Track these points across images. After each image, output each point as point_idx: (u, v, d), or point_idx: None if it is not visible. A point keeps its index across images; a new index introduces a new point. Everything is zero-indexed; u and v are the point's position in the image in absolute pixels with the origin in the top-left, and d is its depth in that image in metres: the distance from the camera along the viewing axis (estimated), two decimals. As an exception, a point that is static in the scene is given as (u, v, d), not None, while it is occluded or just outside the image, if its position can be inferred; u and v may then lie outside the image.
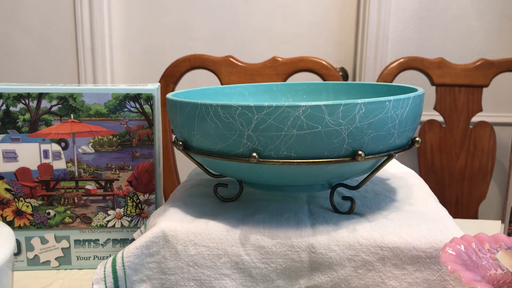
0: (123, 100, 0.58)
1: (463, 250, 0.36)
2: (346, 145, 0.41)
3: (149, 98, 0.58)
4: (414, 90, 0.51)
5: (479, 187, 1.18)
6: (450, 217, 0.47)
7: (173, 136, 1.03)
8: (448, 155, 1.19)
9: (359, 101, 0.40)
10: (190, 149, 0.46)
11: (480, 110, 1.18)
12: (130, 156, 0.59)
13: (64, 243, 0.60)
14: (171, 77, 1.06)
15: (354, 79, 1.50)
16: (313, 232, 0.43)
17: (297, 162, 0.41)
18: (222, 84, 1.07)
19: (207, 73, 1.38)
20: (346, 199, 0.48)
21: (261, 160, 0.41)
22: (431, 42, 1.47)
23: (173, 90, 1.07)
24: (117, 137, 0.58)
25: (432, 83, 1.18)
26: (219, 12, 1.48)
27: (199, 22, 1.49)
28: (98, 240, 0.60)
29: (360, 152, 0.41)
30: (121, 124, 0.58)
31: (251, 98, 0.63)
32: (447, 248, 0.36)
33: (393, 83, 0.56)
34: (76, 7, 1.46)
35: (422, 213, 0.47)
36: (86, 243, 0.60)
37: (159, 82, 1.07)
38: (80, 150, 0.58)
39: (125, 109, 0.58)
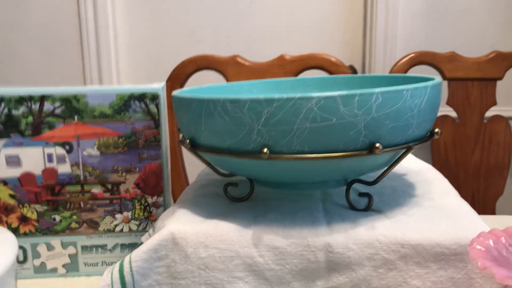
0: (128, 100, 0.56)
1: (492, 245, 0.34)
2: (362, 137, 0.38)
3: (154, 98, 0.56)
4: (431, 79, 0.49)
5: (495, 183, 1.15)
6: (474, 211, 0.44)
7: (180, 136, 1.02)
8: (462, 151, 1.16)
9: (376, 90, 0.38)
10: (198, 148, 0.44)
11: (494, 104, 1.15)
12: (137, 157, 0.57)
13: (71, 249, 0.58)
14: (177, 79, 1.04)
15: (363, 77, 1.48)
16: (330, 231, 0.41)
17: (310, 157, 0.39)
18: (229, 84, 1.05)
19: (214, 74, 1.36)
20: (363, 195, 0.45)
21: (272, 156, 0.39)
22: (440, 37, 1.44)
23: (179, 92, 1.06)
24: (123, 138, 0.56)
25: (444, 78, 1.15)
26: (224, 13, 1.46)
27: (204, 24, 1.47)
28: (106, 245, 0.58)
29: (377, 145, 0.39)
30: (126, 125, 0.56)
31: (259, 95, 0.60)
32: (475, 243, 0.33)
33: (408, 74, 0.54)
34: (80, 13, 1.45)
35: (443, 208, 0.44)
36: (94, 248, 0.58)
37: (165, 84, 1.05)
38: (85, 153, 0.56)
39: (130, 110, 0.56)
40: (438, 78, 0.45)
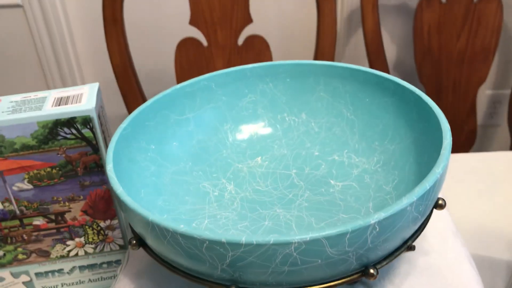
0: (53, 128, 0.44)
1: None
2: (354, 266, 0.31)
3: (86, 121, 0.44)
4: (424, 103, 0.39)
5: (479, 69, 1.07)
6: (476, 277, 0.39)
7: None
8: (447, 36, 1.05)
9: (372, 221, 0.29)
10: (150, 249, 0.36)
11: (488, -21, 1.01)
12: (78, 186, 0.48)
13: (24, 277, 0.52)
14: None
15: None
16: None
17: (290, 293, 0.31)
18: (181, -15, 0.88)
19: None
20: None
21: (243, 292, 0.31)
22: None
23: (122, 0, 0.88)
24: (57, 168, 0.46)
25: (433, -51, 0.98)
26: None
27: None
28: (62, 269, 0.53)
29: (372, 271, 0.31)
30: (58, 154, 0.46)
31: (220, 91, 0.49)
32: None
33: (403, 82, 0.43)
34: None
35: (440, 273, 0.39)
36: (49, 274, 0.53)
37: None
38: (15, 188, 0.47)
39: (59, 137, 0.45)
40: (447, 131, 0.35)
